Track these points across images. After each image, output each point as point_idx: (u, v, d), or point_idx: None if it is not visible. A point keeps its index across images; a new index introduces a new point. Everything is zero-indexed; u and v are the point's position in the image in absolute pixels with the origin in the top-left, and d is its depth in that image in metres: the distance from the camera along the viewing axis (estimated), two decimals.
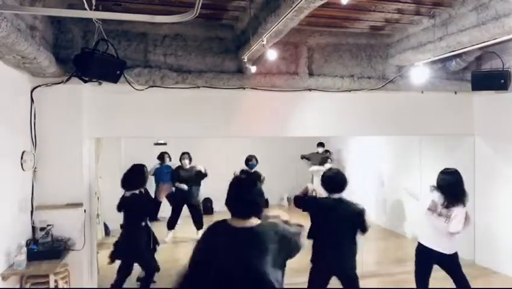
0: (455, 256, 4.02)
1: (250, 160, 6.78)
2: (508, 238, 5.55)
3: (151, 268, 4.56)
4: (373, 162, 8.24)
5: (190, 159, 7.20)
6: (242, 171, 6.78)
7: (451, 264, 4.03)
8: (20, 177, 4.04)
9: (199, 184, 7.24)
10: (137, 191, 4.45)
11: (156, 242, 4.83)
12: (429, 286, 4.15)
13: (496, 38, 3.89)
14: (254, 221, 2.25)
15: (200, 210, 7.31)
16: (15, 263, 3.68)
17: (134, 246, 4.41)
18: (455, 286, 4.09)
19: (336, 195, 3.74)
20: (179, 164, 7.24)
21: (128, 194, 4.41)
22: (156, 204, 4.46)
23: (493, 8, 3.66)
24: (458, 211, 3.85)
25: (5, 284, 3.62)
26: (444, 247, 3.96)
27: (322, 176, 3.89)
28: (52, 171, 4.37)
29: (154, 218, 4.75)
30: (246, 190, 2.33)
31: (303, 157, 9.05)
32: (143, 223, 4.48)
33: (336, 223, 3.65)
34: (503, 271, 5.63)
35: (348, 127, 5.65)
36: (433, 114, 5.83)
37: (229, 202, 2.32)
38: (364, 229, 3.72)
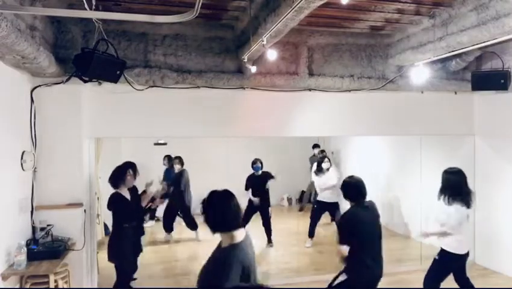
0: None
1: (255, 163, 6.83)
2: (508, 238, 5.55)
3: (122, 273, 4.46)
4: (373, 162, 8.24)
5: (182, 164, 7.22)
6: (249, 176, 6.83)
7: (466, 261, 4.10)
8: (20, 177, 4.04)
9: (188, 186, 7.30)
10: (121, 191, 4.44)
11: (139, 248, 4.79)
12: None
13: (496, 38, 3.88)
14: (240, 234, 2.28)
15: (189, 211, 7.29)
16: (15, 263, 3.67)
17: (115, 248, 4.38)
18: (451, 286, 4.12)
19: (364, 203, 3.58)
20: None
21: (113, 192, 4.43)
22: (134, 207, 4.47)
23: (493, 8, 3.66)
24: None
25: (5, 284, 3.62)
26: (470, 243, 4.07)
27: (344, 184, 3.64)
28: (52, 171, 4.37)
29: (131, 221, 4.53)
30: (232, 203, 2.30)
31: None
32: (126, 225, 4.42)
33: (371, 229, 3.53)
34: (503, 271, 5.63)
35: (348, 127, 5.65)
36: (433, 114, 5.83)
37: (215, 218, 2.27)
38: None
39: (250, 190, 6.82)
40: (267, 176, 6.87)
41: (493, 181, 5.78)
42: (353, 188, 3.60)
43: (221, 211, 2.26)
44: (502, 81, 4.93)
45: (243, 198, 6.79)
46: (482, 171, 5.95)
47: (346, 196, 3.62)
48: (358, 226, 3.50)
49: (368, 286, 3.57)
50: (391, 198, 7.91)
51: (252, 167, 6.83)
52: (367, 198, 3.65)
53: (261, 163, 6.87)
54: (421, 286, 4.21)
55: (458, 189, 3.97)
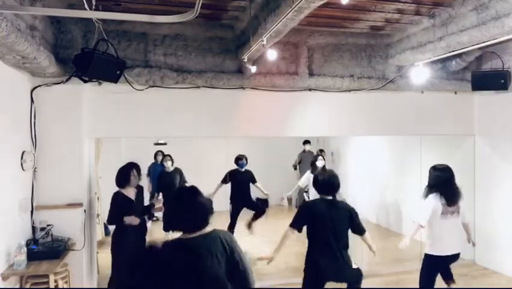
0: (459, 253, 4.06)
1: (240, 159, 6.73)
2: (508, 238, 5.55)
3: (117, 270, 4.45)
4: (373, 162, 8.23)
5: (172, 161, 7.16)
6: (232, 171, 6.75)
7: (454, 261, 4.05)
8: (20, 177, 4.04)
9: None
10: (125, 191, 4.45)
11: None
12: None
13: (496, 38, 3.89)
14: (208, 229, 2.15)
15: None
16: (15, 263, 3.67)
17: (115, 245, 4.41)
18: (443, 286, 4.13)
19: (329, 197, 3.65)
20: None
21: (116, 191, 4.45)
22: (137, 206, 4.48)
23: (493, 8, 3.66)
24: (461, 204, 3.99)
25: (5, 284, 3.62)
26: (459, 246, 4.00)
27: (314, 177, 3.78)
28: (52, 171, 4.37)
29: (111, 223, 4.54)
30: (197, 201, 2.16)
31: (296, 167, 8.91)
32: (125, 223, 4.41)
33: (331, 225, 3.54)
34: (503, 271, 5.63)
35: (348, 127, 5.65)
36: (433, 114, 5.83)
37: (178, 219, 2.13)
38: (361, 230, 3.67)
39: (229, 184, 6.73)
40: (251, 175, 6.79)
41: (492, 181, 5.78)
42: (320, 182, 3.69)
43: (179, 209, 2.15)
44: (502, 81, 4.93)
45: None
46: (481, 171, 5.95)
47: (314, 188, 3.75)
48: (311, 216, 3.58)
49: (317, 282, 3.60)
50: (390, 198, 7.91)
51: (237, 163, 6.73)
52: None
53: (246, 160, 6.78)
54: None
55: (442, 185, 3.93)
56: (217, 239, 2.14)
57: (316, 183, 3.74)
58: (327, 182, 3.66)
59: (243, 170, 6.76)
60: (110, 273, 4.52)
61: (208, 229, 2.17)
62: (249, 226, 6.69)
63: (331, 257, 3.54)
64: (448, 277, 4.18)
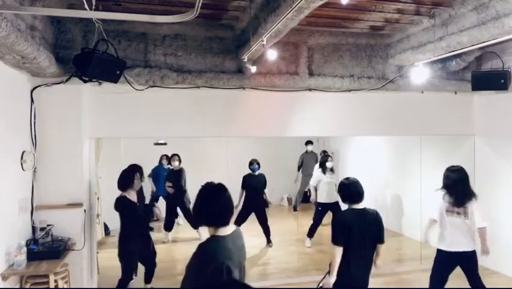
0: (475, 253, 4.05)
1: (252, 164, 6.89)
2: (508, 238, 5.55)
3: (125, 273, 4.50)
4: (373, 162, 8.24)
5: (180, 161, 7.25)
6: (245, 176, 6.90)
7: (472, 261, 4.05)
8: (20, 177, 4.03)
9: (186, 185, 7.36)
10: (127, 194, 4.45)
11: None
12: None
13: (496, 38, 3.89)
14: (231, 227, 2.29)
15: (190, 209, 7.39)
16: (15, 263, 3.67)
17: (123, 249, 4.44)
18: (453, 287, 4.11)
19: (358, 206, 3.49)
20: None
21: (119, 196, 4.46)
22: (141, 208, 4.51)
23: (493, 8, 3.66)
24: (473, 206, 3.98)
25: (5, 284, 3.62)
26: (467, 245, 4.00)
27: (340, 185, 3.62)
28: (52, 171, 4.37)
29: (139, 222, 4.57)
30: (226, 197, 2.29)
31: (300, 168, 8.94)
32: (134, 226, 4.44)
33: (362, 236, 3.41)
34: (503, 271, 5.63)
35: (348, 127, 5.65)
36: (433, 114, 5.83)
37: (211, 214, 2.23)
38: (383, 240, 3.55)
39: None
40: (264, 178, 6.96)
41: (492, 181, 5.78)
42: (346, 190, 3.56)
43: (210, 204, 2.25)
44: (502, 81, 4.93)
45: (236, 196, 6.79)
46: (481, 171, 5.95)
47: (341, 197, 3.63)
48: (347, 228, 3.43)
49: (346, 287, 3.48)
50: (390, 198, 7.91)
51: (249, 167, 6.91)
52: (371, 206, 3.59)
53: (258, 164, 6.94)
54: (421, 286, 4.21)
55: (451, 185, 3.99)
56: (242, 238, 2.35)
57: (342, 192, 3.59)
58: (353, 192, 3.52)
59: (256, 173, 6.92)
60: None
61: (232, 226, 2.30)
62: (270, 242, 6.91)
63: (361, 267, 3.46)
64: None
